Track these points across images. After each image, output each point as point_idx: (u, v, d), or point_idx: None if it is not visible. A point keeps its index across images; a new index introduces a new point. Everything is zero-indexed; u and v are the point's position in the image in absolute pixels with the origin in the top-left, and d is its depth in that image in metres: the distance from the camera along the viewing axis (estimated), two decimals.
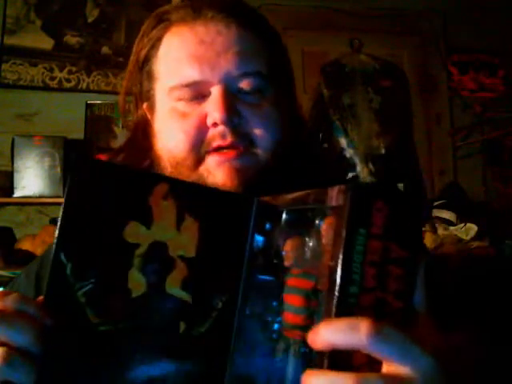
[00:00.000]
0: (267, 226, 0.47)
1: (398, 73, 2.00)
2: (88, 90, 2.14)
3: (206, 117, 0.58)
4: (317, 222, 0.40)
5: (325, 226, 0.39)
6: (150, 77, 0.65)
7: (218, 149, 0.58)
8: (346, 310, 0.35)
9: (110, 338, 0.43)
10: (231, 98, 0.58)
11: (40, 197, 1.87)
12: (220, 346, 0.45)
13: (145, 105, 0.67)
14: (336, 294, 0.35)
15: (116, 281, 0.44)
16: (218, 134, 0.57)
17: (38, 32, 2.11)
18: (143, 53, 0.65)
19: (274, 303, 0.44)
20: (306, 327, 0.39)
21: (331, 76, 2.25)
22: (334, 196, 0.37)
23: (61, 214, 0.43)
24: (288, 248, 0.43)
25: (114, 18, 2.21)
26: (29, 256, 1.74)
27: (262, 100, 0.60)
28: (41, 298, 0.43)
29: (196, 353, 0.45)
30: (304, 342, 0.38)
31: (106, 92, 2.13)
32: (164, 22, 0.63)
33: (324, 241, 0.39)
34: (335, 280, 0.35)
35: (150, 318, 0.44)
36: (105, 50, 2.18)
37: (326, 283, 0.36)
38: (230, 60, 0.58)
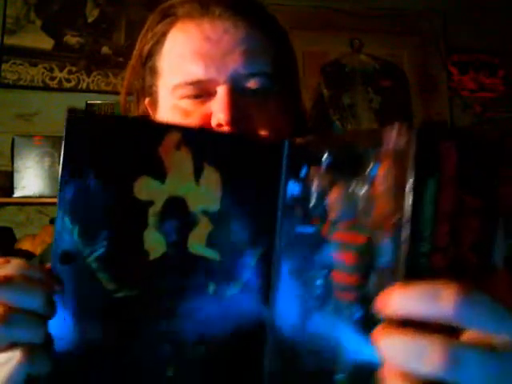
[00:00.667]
0: (304, 170, 0.40)
1: (398, 73, 2.00)
2: (88, 90, 2.13)
3: (210, 116, 0.57)
4: (369, 167, 0.34)
5: (381, 172, 0.34)
6: (153, 73, 0.63)
7: None
8: (416, 272, 0.30)
9: (129, 304, 0.39)
10: (237, 98, 0.57)
11: (40, 197, 1.87)
12: (256, 309, 0.41)
13: (147, 100, 0.66)
14: (404, 254, 0.30)
15: (130, 243, 0.40)
16: None
17: (38, 32, 2.11)
18: (147, 48, 0.64)
19: (316, 257, 0.39)
20: (361, 287, 0.34)
21: (331, 76, 2.25)
22: (393, 138, 0.32)
23: (60, 174, 0.39)
24: (333, 197, 0.38)
25: (114, 17, 2.20)
26: (29, 256, 1.74)
27: (268, 99, 0.59)
28: (47, 265, 0.40)
29: (229, 316, 0.41)
30: (359, 305, 0.34)
31: (106, 92, 2.13)
32: (170, 17, 0.62)
33: (379, 189, 0.33)
34: (402, 239, 0.30)
35: (173, 281, 0.40)
36: (105, 49, 2.18)
37: (388, 238, 0.32)
38: (236, 59, 0.57)
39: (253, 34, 0.60)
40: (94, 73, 2.15)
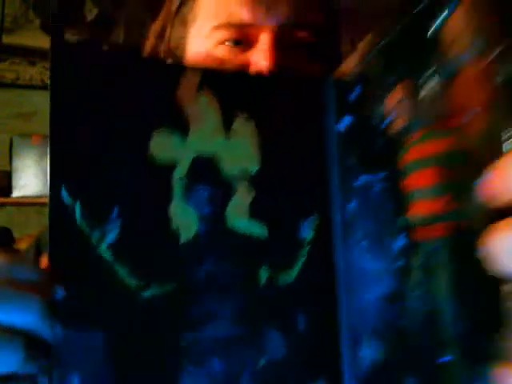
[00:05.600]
0: (355, 95, 0.32)
1: None
2: None
3: (247, 65, 0.52)
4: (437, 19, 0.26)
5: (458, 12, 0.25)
6: (184, 23, 0.58)
7: None
8: None
9: (159, 306, 0.29)
10: (281, 49, 0.51)
11: (39, 197, 1.86)
12: (320, 298, 0.32)
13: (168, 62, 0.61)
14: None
15: (153, 221, 0.30)
16: None
17: (37, 31, 2.10)
18: (177, 1, 0.58)
19: (390, 208, 0.30)
20: (452, 215, 0.27)
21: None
22: None
23: (50, 128, 0.29)
24: (398, 97, 0.29)
25: (113, 17, 2.20)
26: None
27: (314, 56, 0.54)
28: (44, 260, 0.30)
29: (288, 314, 0.31)
30: (457, 239, 0.27)
31: None
32: None
33: (461, 23, 0.25)
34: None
35: (213, 270, 0.30)
36: (104, 48, 2.17)
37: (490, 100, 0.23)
38: (287, 5, 0.52)
39: None
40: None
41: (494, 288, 0.23)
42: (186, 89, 0.31)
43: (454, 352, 0.28)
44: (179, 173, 0.30)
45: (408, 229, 0.30)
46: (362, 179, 0.32)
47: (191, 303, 0.30)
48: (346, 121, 0.32)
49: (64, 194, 0.29)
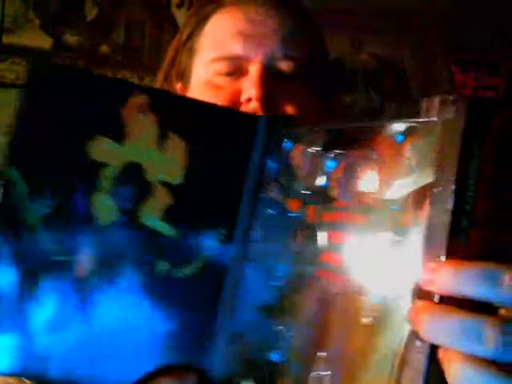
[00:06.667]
0: (286, 149, 0.38)
1: (399, 72, 1.99)
2: None
3: (239, 93, 0.59)
4: (391, 139, 0.33)
5: (409, 143, 0.32)
6: (191, 52, 0.66)
7: None
8: (454, 247, 0.28)
9: (68, 269, 0.36)
10: (269, 78, 0.58)
11: None
12: (209, 295, 0.38)
13: (178, 85, 0.68)
14: (447, 228, 0.28)
15: (77, 205, 0.37)
16: (249, 111, 0.57)
17: (37, 31, 2.10)
18: (187, 31, 0.66)
19: (282, 244, 0.38)
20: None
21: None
22: (434, 108, 0.31)
23: (13, 120, 0.37)
24: (338, 174, 0.37)
25: (113, 16, 2.19)
26: None
27: (299, 87, 0.61)
28: None
29: (177, 299, 0.38)
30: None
31: None
32: (214, 4, 0.65)
33: (409, 159, 0.32)
34: (445, 211, 0.28)
35: (120, 252, 0.37)
36: (104, 49, 2.17)
37: (417, 214, 0.30)
38: (275, 41, 0.60)
39: (293, 23, 0.63)
40: (93, 72, 2.15)
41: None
42: (131, 108, 0.37)
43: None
44: (109, 172, 0.37)
45: (291, 260, 0.38)
46: (270, 211, 0.39)
47: (94, 272, 0.37)
48: (272, 163, 0.39)
49: (15, 174, 0.36)
